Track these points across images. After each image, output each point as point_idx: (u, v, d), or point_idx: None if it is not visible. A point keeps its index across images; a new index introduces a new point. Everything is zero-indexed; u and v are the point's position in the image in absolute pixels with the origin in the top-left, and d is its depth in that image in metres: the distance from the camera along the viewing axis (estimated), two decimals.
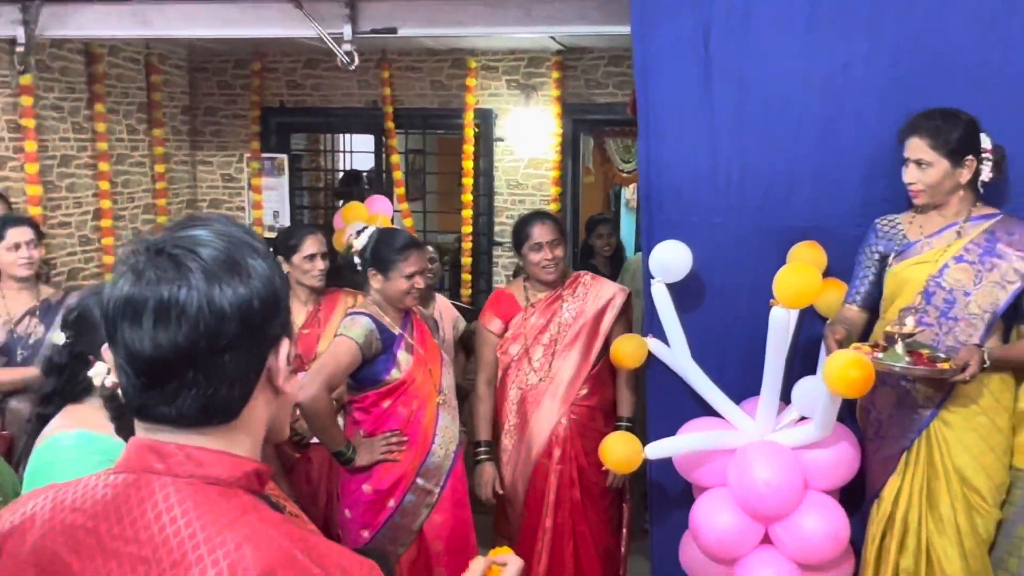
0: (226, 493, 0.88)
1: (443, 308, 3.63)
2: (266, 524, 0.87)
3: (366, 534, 2.72)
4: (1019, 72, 2.49)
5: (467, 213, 5.38)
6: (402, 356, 2.73)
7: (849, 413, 2.66)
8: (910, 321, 2.28)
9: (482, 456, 3.09)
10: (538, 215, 3.16)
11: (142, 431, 0.91)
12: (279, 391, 0.95)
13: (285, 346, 0.94)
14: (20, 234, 3.04)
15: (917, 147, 2.32)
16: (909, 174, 2.34)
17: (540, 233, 3.06)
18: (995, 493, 2.40)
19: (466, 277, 5.46)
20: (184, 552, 0.83)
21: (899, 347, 2.23)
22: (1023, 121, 2.45)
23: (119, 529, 0.86)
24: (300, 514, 1.08)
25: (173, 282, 0.83)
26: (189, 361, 0.84)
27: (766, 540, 2.57)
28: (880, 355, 2.24)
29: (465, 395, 3.30)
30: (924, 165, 2.32)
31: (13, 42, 3.87)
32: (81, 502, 0.90)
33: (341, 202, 4.86)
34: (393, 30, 3.56)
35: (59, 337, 1.76)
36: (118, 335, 0.85)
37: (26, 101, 4.14)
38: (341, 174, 6.28)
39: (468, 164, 5.29)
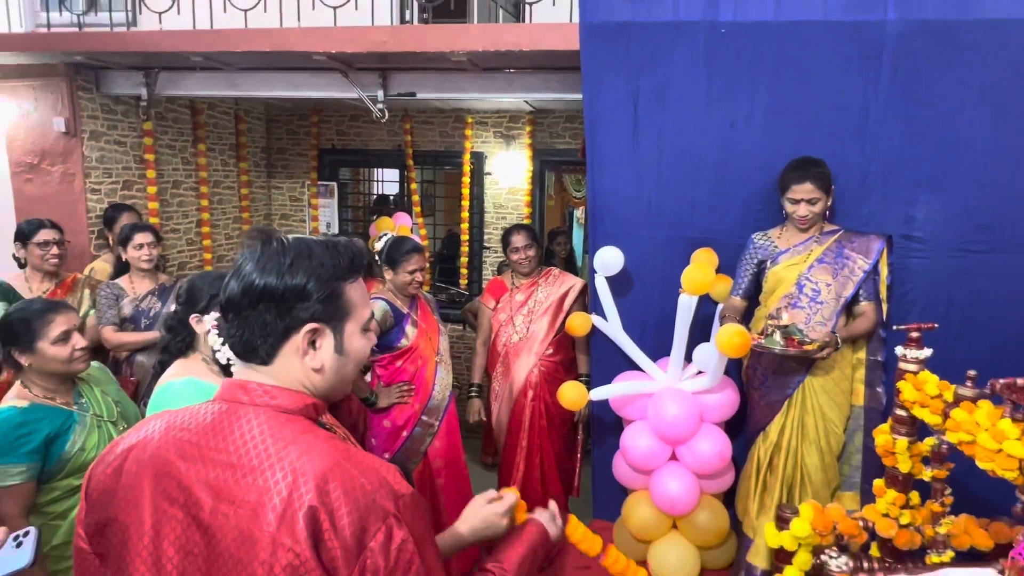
0: (291, 419, 0.89)
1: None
2: (320, 440, 0.87)
3: (387, 456, 2.73)
4: (849, 130, 2.51)
5: (464, 226, 5.38)
6: (409, 329, 2.77)
7: (734, 369, 2.68)
8: (785, 316, 2.36)
9: (473, 393, 3.19)
10: (517, 227, 3.23)
11: (236, 374, 0.95)
12: (312, 362, 0.92)
13: (314, 333, 0.91)
14: (143, 237, 3.03)
15: (810, 189, 2.35)
16: (803, 208, 2.37)
17: (517, 240, 3.15)
18: (843, 421, 2.50)
19: (464, 271, 5.47)
20: (260, 460, 0.84)
21: (777, 335, 2.28)
22: (842, 165, 2.46)
23: (214, 443, 0.88)
24: (348, 436, 1.07)
25: (248, 260, 0.90)
26: (236, 307, 0.90)
27: (673, 457, 2.59)
28: (763, 340, 2.30)
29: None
30: (814, 201, 2.36)
31: (139, 99, 3.97)
32: (188, 423, 0.91)
33: (375, 217, 4.84)
34: (413, 94, 3.65)
35: (173, 307, 1.74)
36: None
37: (148, 141, 4.27)
38: (375, 197, 6.27)
39: (466, 191, 5.31)
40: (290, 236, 0.94)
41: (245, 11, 3.30)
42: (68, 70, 3.67)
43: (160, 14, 3.41)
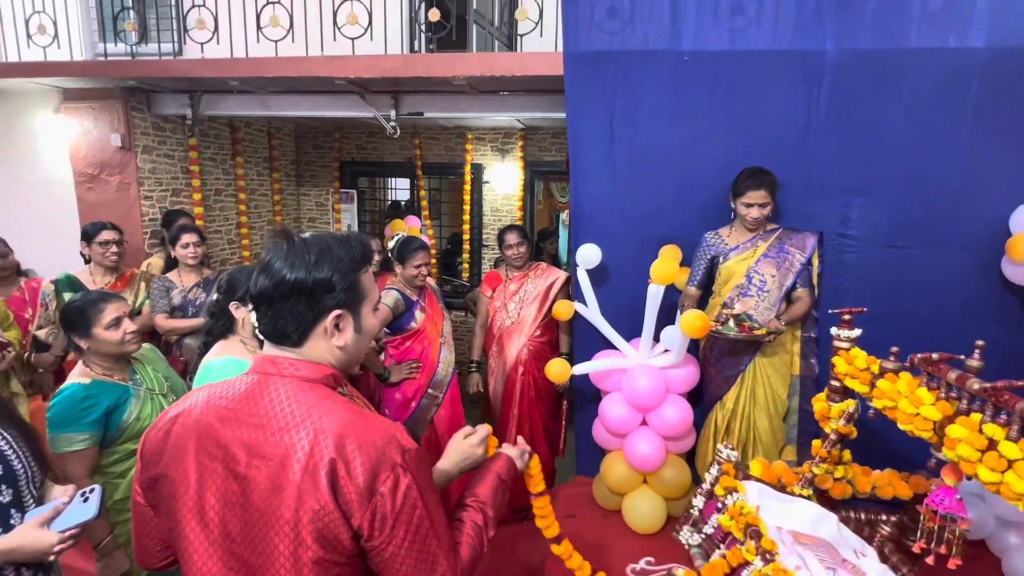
0: (314, 387, 0.90)
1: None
2: (338, 404, 0.88)
3: (399, 422, 2.71)
4: (793, 144, 2.51)
5: (466, 227, 5.36)
6: (417, 314, 2.77)
7: (694, 348, 2.68)
8: (738, 305, 2.40)
9: (472, 369, 3.17)
10: (510, 227, 3.20)
11: (266, 350, 0.95)
12: (337, 341, 0.92)
13: (339, 318, 0.91)
14: (189, 238, 3.01)
15: (763, 195, 2.35)
16: (756, 211, 2.36)
17: (511, 238, 3.12)
18: (786, 389, 2.51)
19: (465, 266, 5.46)
20: (287, 421, 0.86)
21: (731, 322, 2.32)
22: (786, 173, 2.46)
23: (248, 408, 0.89)
24: (367, 404, 1.08)
25: (276, 258, 0.89)
26: (268, 299, 0.89)
27: (643, 423, 2.59)
28: (720, 327, 2.32)
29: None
30: (764, 205, 2.36)
31: (184, 118, 3.99)
32: (226, 392, 0.92)
33: (389, 220, 4.83)
34: (421, 113, 3.63)
35: (215, 297, 1.74)
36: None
37: (193, 155, 4.30)
38: (389, 203, 6.24)
39: (467, 197, 5.29)
40: (307, 234, 0.93)
41: (275, 42, 3.28)
42: (123, 93, 3.66)
43: (202, 44, 3.39)
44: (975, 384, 1.33)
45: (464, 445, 1.19)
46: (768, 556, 1.51)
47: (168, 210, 3.89)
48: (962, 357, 1.48)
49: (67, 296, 2.92)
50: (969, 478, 1.33)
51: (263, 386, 0.89)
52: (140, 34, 3.95)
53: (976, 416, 1.32)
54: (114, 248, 2.97)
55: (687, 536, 2.12)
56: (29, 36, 3.60)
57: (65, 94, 3.74)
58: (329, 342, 0.91)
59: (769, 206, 2.37)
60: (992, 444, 1.25)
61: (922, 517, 1.49)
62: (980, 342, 1.44)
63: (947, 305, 2.44)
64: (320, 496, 0.80)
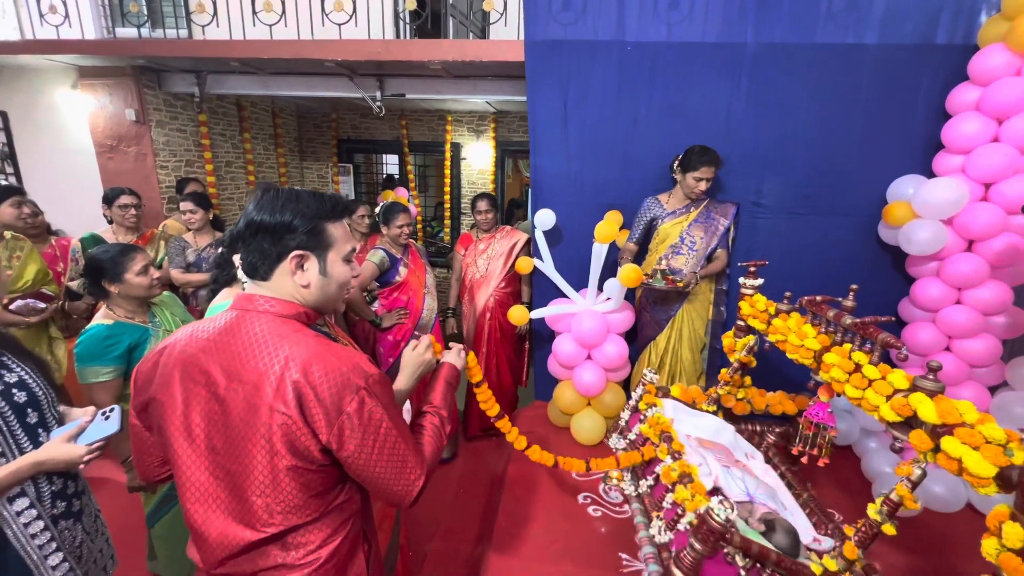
0: (286, 321, 0.87)
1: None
2: (307, 337, 0.85)
3: (391, 360, 2.70)
4: (717, 126, 2.48)
5: (447, 198, 5.25)
6: (401, 269, 2.70)
7: (631, 298, 2.70)
8: (677, 258, 2.40)
9: (448, 314, 3.14)
10: (481, 195, 3.11)
11: (246, 289, 0.91)
12: (300, 280, 0.88)
13: (300, 258, 0.87)
14: (186, 206, 2.84)
15: (709, 171, 2.32)
16: (703, 184, 2.33)
17: (481, 205, 3.03)
18: (704, 327, 2.55)
19: (447, 230, 5.38)
20: (261, 351, 0.83)
21: (658, 276, 2.33)
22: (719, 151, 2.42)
23: (227, 339, 0.86)
24: (348, 340, 1.05)
25: (252, 204, 0.88)
26: (241, 237, 0.88)
27: (588, 357, 2.62)
28: (650, 280, 2.35)
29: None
30: (709, 180, 2.34)
31: (193, 96, 3.70)
32: (208, 327, 0.89)
33: (384, 190, 4.70)
34: (403, 95, 3.45)
35: (220, 250, 1.68)
36: None
37: (203, 130, 4.06)
38: (384, 176, 6.06)
39: (447, 172, 5.14)
40: (285, 188, 0.90)
41: (270, 26, 3.07)
42: (135, 72, 3.40)
43: (203, 27, 3.15)
44: (847, 319, 1.37)
45: (414, 356, 1.16)
46: (676, 455, 1.57)
47: (180, 178, 3.69)
48: (840, 299, 1.52)
49: None
50: (839, 395, 1.38)
51: (241, 321, 0.86)
52: (148, 19, 3.64)
53: (847, 346, 1.36)
54: (133, 211, 2.83)
55: (615, 442, 2.18)
56: (42, 15, 3.29)
57: (81, 71, 3.46)
58: (293, 279, 0.88)
59: (711, 180, 2.34)
60: (858, 368, 1.30)
61: (800, 426, 1.55)
62: (854, 286, 1.47)
63: (835, 259, 2.49)
64: (289, 411, 0.79)
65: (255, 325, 0.84)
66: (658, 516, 1.54)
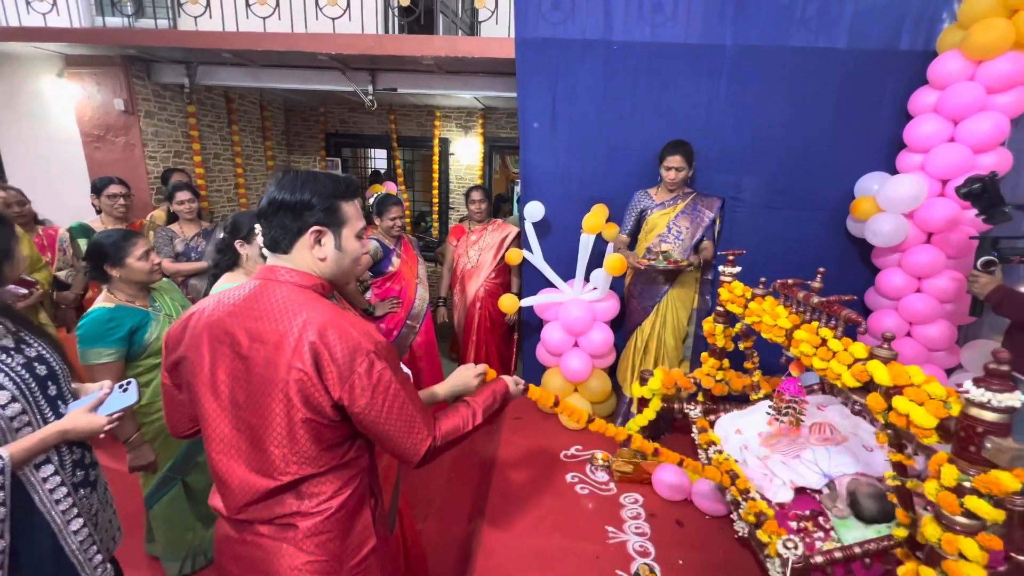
0: (304, 291, 0.92)
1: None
2: (324, 305, 0.91)
3: None
4: (699, 124, 2.57)
5: (435, 193, 5.28)
6: (394, 259, 2.72)
7: (620, 286, 2.79)
8: (663, 245, 2.48)
9: (440, 303, 3.14)
10: (476, 187, 3.16)
11: (268, 261, 0.96)
12: (318, 253, 0.94)
13: (319, 233, 0.92)
14: (183, 195, 2.85)
15: (678, 160, 2.40)
16: (672, 173, 2.42)
17: (475, 195, 3.09)
18: (688, 315, 2.63)
19: (435, 225, 5.41)
20: (281, 315, 0.89)
21: (661, 258, 2.42)
22: (700, 147, 2.54)
23: (251, 305, 0.91)
24: (354, 312, 1.10)
25: (274, 184, 0.92)
26: (265, 214, 0.92)
27: (575, 345, 2.71)
28: (653, 262, 2.42)
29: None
30: (680, 169, 2.42)
31: (182, 87, 3.69)
32: (234, 294, 0.94)
33: (370, 185, 4.71)
34: (394, 89, 3.47)
35: (221, 234, 1.71)
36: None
37: (192, 121, 4.01)
38: (371, 171, 6.05)
39: (435, 167, 5.17)
40: (303, 169, 0.95)
41: (264, 18, 3.08)
42: (123, 61, 3.37)
43: (196, 18, 3.15)
44: (815, 299, 1.49)
45: (468, 373, 1.27)
46: (745, 495, 1.61)
47: (166, 168, 3.65)
48: (809, 282, 1.65)
49: (82, 242, 2.77)
50: (808, 369, 1.50)
51: (264, 289, 0.91)
52: (135, 6, 3.61)
53: (815, 324, 1.48)
54: (121, 201, 2.80)
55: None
56: (28, 3, 3.25)
57: (67, 60, 3.41)
58: (311, 253, 0.93)
59: (685, 171, 2.43)
60: (823, 342, 1.41)
61: (774, 400, 1.67)
62: (821, 268, 1.59)
63: (807, 250, 2.63)
64: (305, 368, 0.84)
65: (277, 293, 0.90)
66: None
